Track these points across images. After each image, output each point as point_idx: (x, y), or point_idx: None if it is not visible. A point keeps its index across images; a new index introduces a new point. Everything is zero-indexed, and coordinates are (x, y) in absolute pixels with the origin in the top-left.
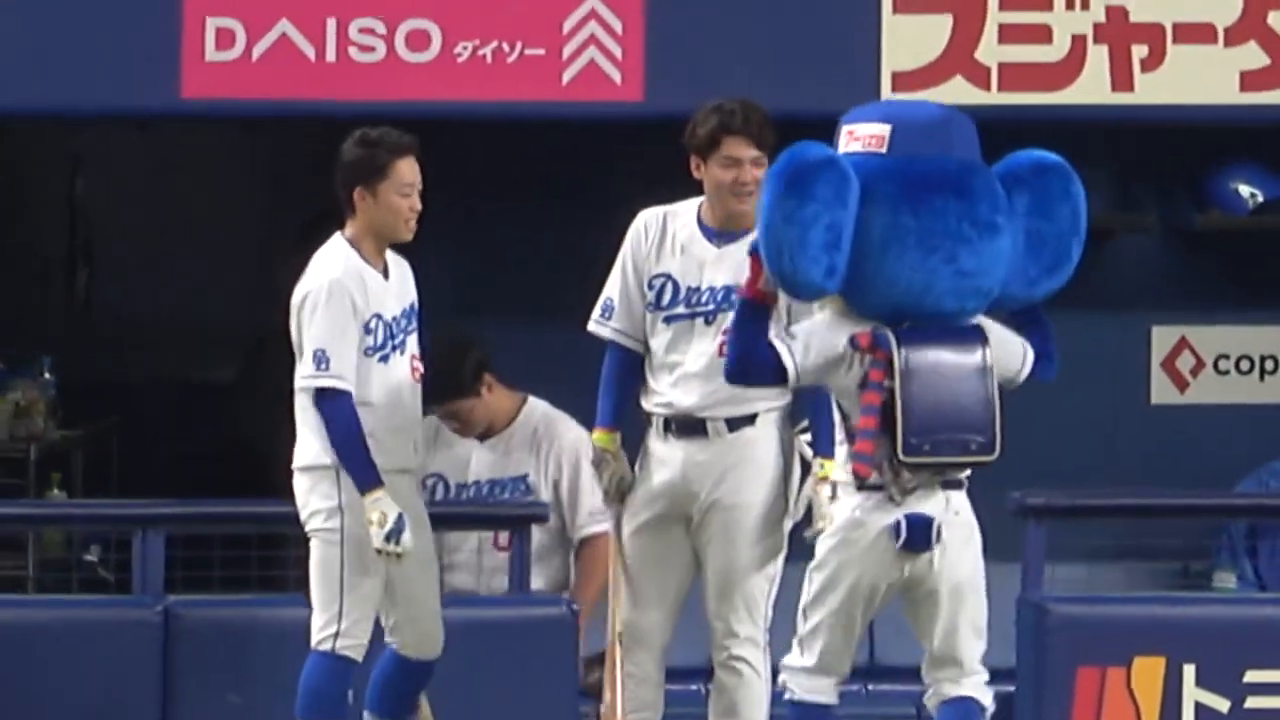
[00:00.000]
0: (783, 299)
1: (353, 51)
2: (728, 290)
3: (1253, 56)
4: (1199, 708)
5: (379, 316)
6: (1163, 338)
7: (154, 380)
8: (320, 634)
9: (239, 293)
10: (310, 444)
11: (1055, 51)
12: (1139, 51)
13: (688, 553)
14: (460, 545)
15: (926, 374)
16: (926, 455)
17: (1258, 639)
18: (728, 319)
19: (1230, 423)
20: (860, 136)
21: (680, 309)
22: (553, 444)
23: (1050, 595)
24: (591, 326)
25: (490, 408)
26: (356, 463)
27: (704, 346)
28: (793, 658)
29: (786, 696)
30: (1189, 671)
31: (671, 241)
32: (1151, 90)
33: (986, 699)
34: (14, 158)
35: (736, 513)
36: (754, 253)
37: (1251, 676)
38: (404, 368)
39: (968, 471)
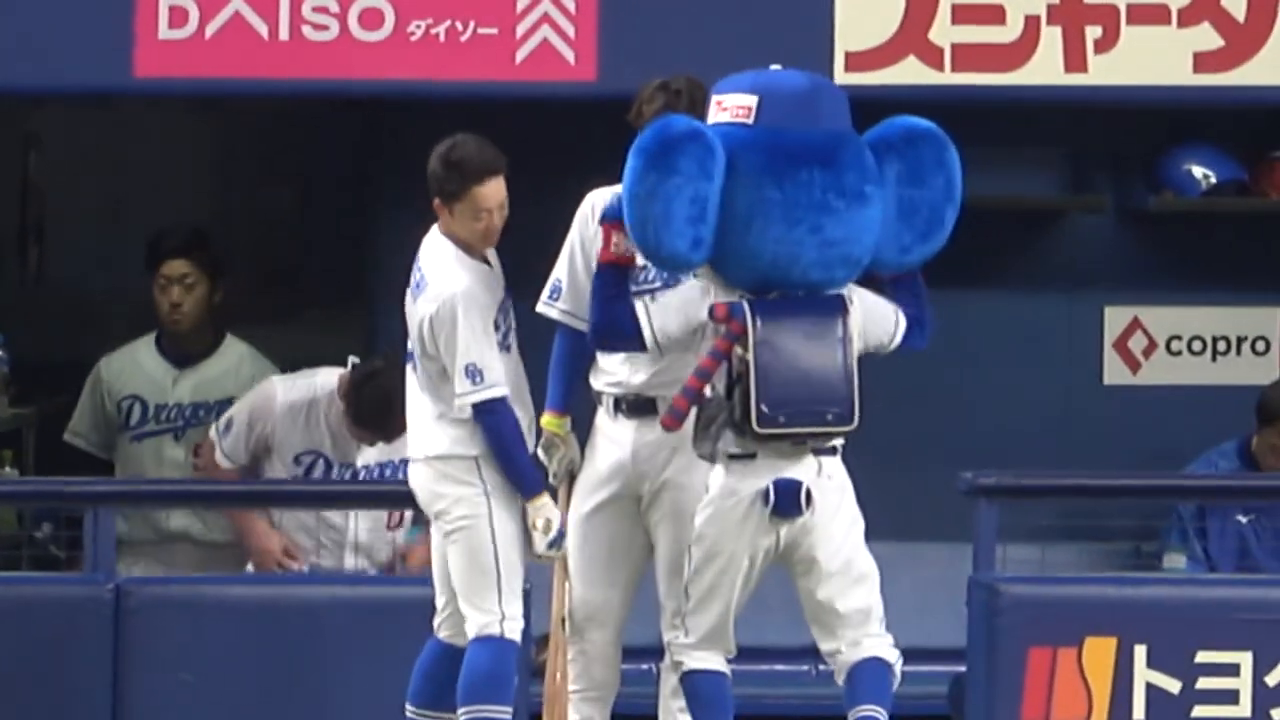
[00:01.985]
0: None
1: (306, 30)
2: None
3: (1206, 38)
4: (1150, 688)
5: (501, 309)
6: (1115, 318)
7: None
8: (485, 619)
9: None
10: (438, 435)
11: (1009, 32)
12: (1092, 32)
13: (641, 533)
14: (348, 525)
15: (781, 345)
16: (781, 426)
17: (1208, 619)
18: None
19: (1182, 404)
20: (728, 107)
21: (633, 286)
22: None
23: (1001, 575)
24: (540, 308)
25: None
26: (523, 468)
27: None
28: (678, 636)
29: (680, 673)
30: (1140, 652)
31: None
32: (1105, 71)
33: (892, 656)
34: None
35: (686, 492)
36: (606, 220)
37: (1202, 657)
38: (516, 351)
39: (838, 439)
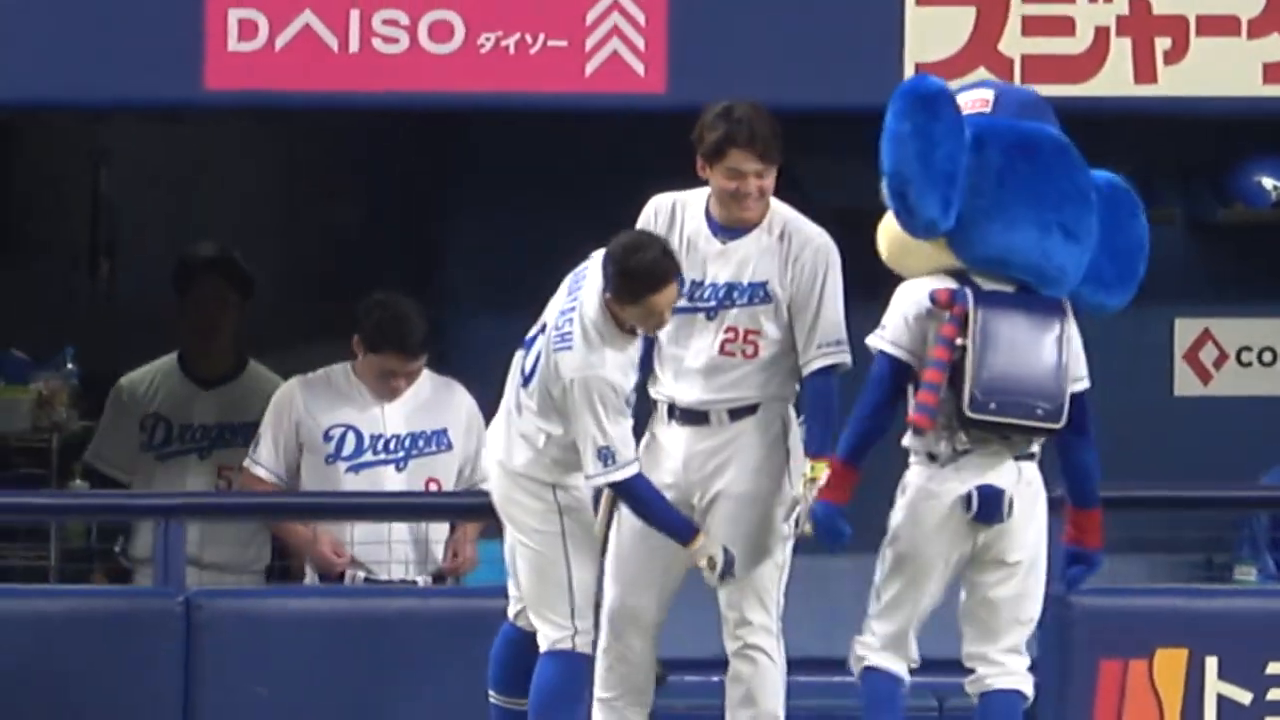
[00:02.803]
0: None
1: (376, 42)
2: (730, 287)
3: (1276, 48)
4: (1221, 700)
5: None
6: (1186, 330)
7: None
8: (558, 634)
9: (262, 284)
10: (518, 450)
11: (1078, 43)
12: (1162, 43)
13: None
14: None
15: (1001, 334)
16: (991, 414)
17: (1279, 631)
18: (729, 315)
19: (1253, 415)
20: (964, 102)
21: (683, 301)
22: (454, 401)
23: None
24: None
25: None
26: (670, 523)
27: (704, 342)
28: (863, 638)
29: (858, 668)
30: (1211, 664)
31: (680, 232)
32: (1174, 82)
33: (1029, 688)
34: (40, 152)
35: (740, 501)
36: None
37: (1274, 669)
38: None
39: (1038, 444)
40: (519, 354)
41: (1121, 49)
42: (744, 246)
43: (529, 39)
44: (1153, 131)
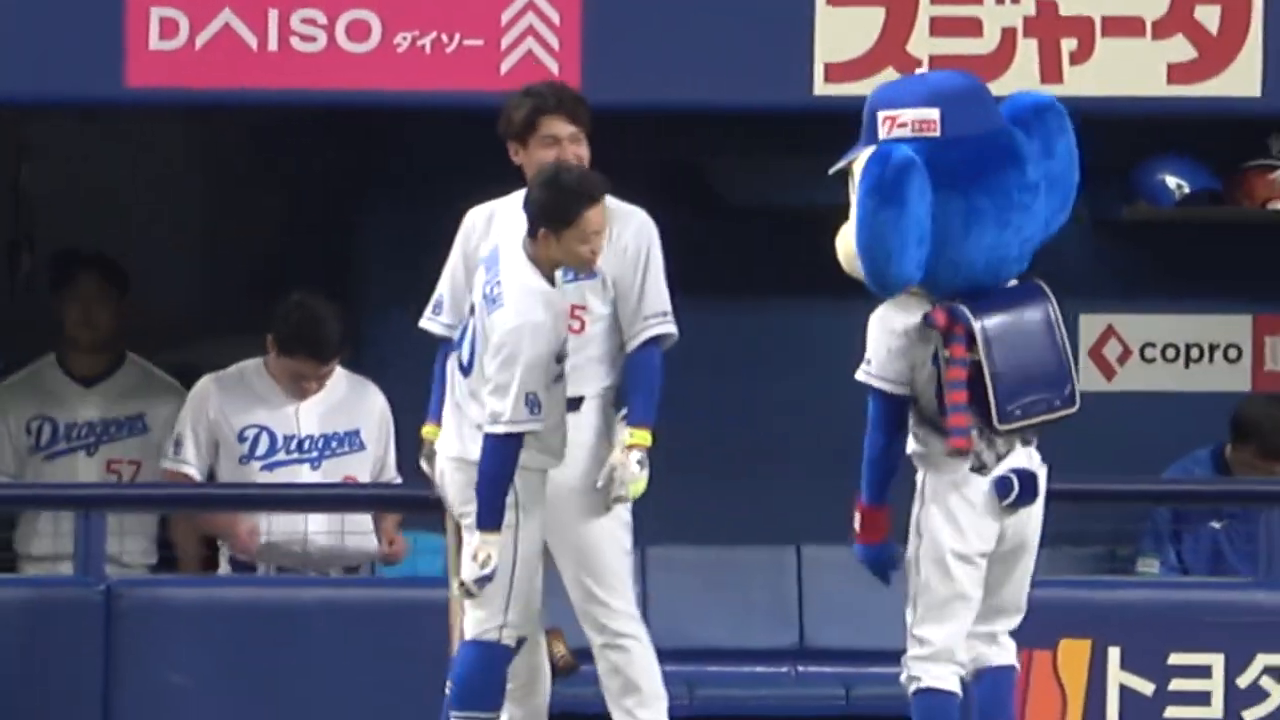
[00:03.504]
0: None
1: (294, 41)
2: None
3: (1180, 49)
4: (1124, 690)
5: (564, 343)
6: (1090, 326)
7: None
8: (485, 624)
9: (179, 279)
10: (479, 441)
11: (986, 44)
12: (1068, 44)
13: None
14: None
15: (1006, 339)
16: (1020, 420)
17: (1181, 622)
18: None
19: (1156, 410)
20: (907, 122)
21: None
22: (367, 402)
23: None
24: (423, 323)
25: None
26: (495, 502)
27: None
28: (914, 652)
29: (914, 689)
30: (1114, 654)
31: (497, 237)
32: (1080, 82)
33: (1017, 661)
34: None
35: (570, 493)
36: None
37: (1175, 659)
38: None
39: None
40: (451, 356)
41: (1028, 50)
42: None
43: (445, 38)
44: None
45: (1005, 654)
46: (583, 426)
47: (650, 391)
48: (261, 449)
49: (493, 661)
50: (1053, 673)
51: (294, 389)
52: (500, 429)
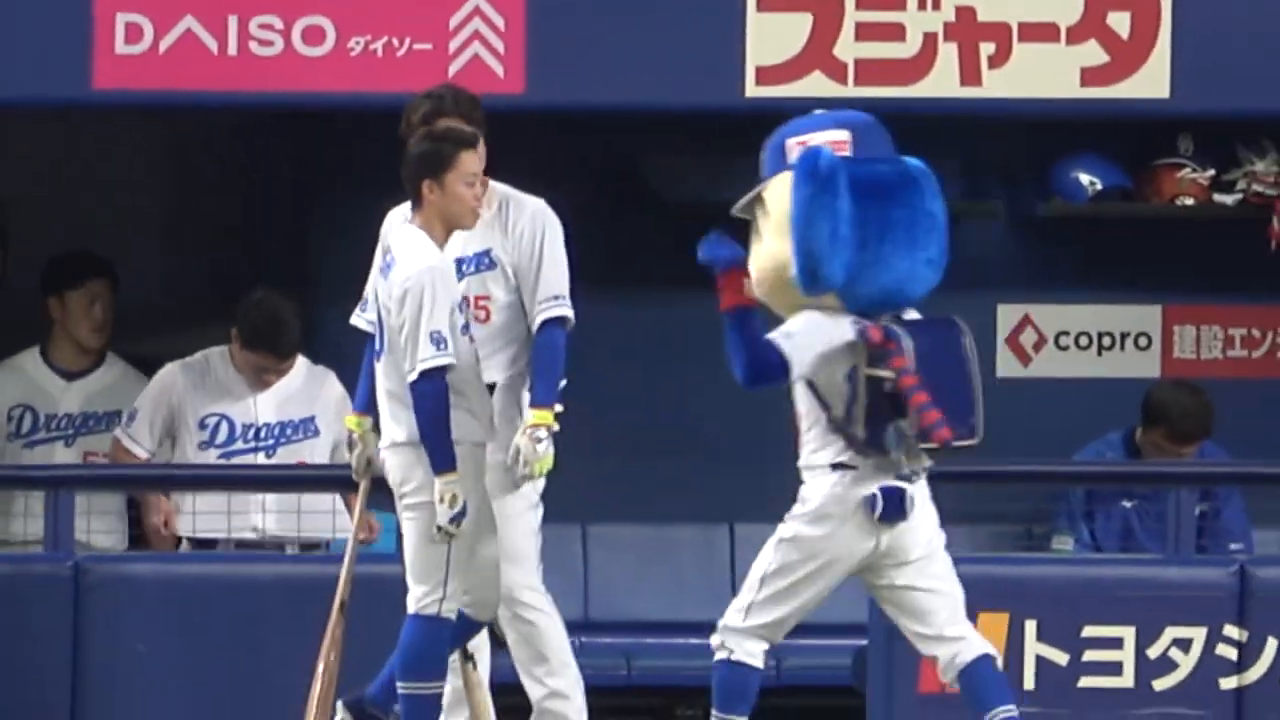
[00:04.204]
0: None
1: (253, 45)
2: (458, 261)
3: (1093, 54)
4: (1040, 660)
5: (461, 296)
6: (1007, 315)
7: None
8: (426, 599)
9: (148, 274)
10: (412, 421)
11: (908, 48)
12: (986, 49)
13: None
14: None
15: (927, 365)
16: (926, 442)
17: (1094, 597)
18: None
19: (1070, 395)
20: (820, 141)
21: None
22: (325, 390)
23: None
24: (353, 319)
25: None
26: (441, 442)
27: None
28: (733, 619)
29: (719, 656)
30: (1030, 626)
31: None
32: (998, 85)
33: (992, 649)
34: None
35: (493, 470)
36: (724, 267)
37: (1088, 631)
38: (468, 343)
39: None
40: (374, 361)
41: (948, 54)
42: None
43: (396, 42)
44: (978, 131)
45: (972, 647)
46: (494, 412)
47: (550, 373)
48: (221, 437)
49: (435, 634)
50: None
51: (256, 380)
52: (415, 373)
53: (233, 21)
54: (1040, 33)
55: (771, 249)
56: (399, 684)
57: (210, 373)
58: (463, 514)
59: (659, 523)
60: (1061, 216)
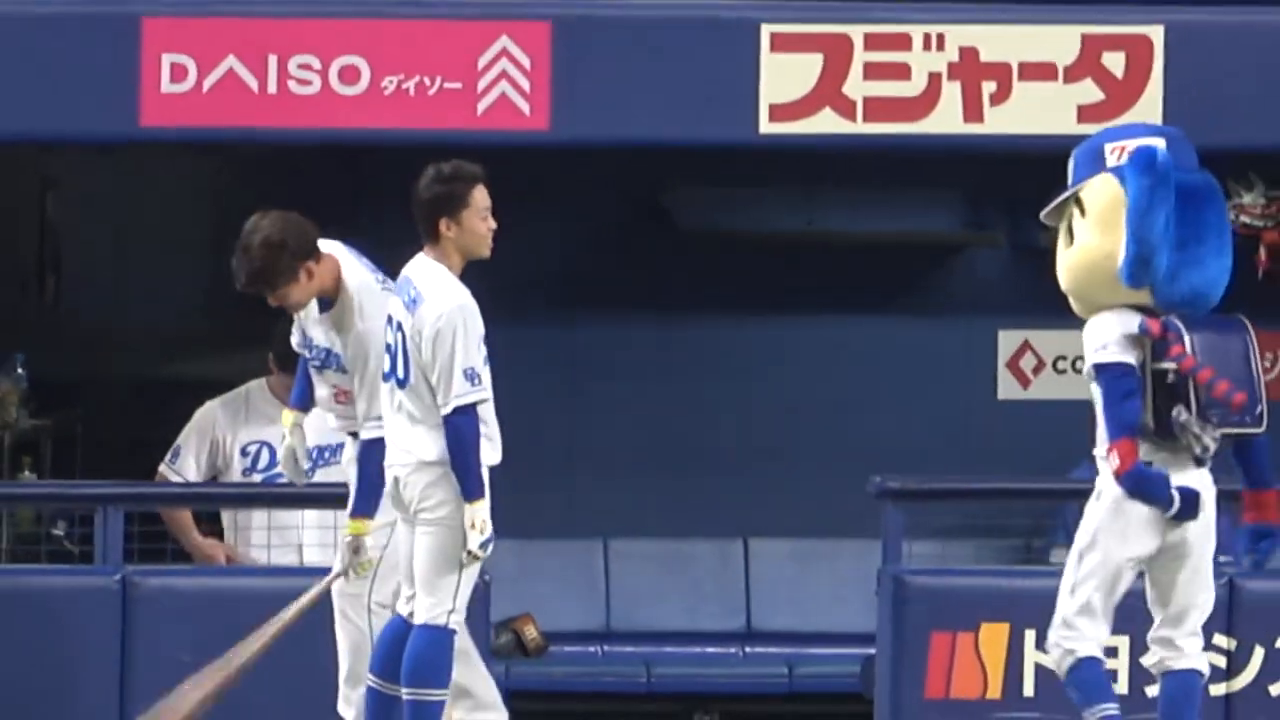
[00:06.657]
0: None
1: (291, 84)
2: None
3: (1089, 92)
4: (1038, 668)
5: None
6: (1008, 340)
7: (114, 376)
8: (435, 610)
9: (190, 299)
10: (430, 442)
11: (914, 87)
12: (988, 87)
13: None
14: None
15: (1212, 357)
16: (1216, 427)
17: None
18: None
19: (1067, 416)
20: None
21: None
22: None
23: (907, 568)
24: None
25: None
26: (474, 471)
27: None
28: (1065, 634)
29: (1069, 663)
30: (1029, 636)
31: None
32: (999, 122)
33: (1205, 666)
34: None
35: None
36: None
37: None
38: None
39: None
40: (385, 386)
41: (952, 92)
42: None
43: (427, 81)
44: (981, 165)
45: (1185, 660)
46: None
47: (368, 485)
48: (263, 463)
49: (442, 644)
50: (975, 652)
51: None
52: (449, 408)
53: (273, 61)
54: (1039, 72)
55: (1088, 243)
56: (405, 691)
57: (250, 403)
58: (492, 539)
59: (677, 537)
60: None
